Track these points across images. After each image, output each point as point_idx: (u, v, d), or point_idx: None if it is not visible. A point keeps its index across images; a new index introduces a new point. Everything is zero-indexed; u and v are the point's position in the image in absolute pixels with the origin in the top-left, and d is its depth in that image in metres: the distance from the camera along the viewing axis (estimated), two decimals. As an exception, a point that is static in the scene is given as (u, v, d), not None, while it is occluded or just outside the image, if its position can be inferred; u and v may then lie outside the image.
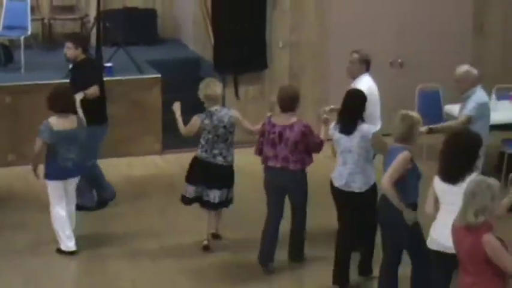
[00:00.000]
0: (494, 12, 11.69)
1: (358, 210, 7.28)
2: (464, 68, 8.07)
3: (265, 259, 7.75)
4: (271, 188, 7.69)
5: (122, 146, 10.08)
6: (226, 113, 7.93)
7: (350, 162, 7.23)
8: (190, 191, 8.02)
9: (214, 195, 7.97)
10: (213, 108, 7.90)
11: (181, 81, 11.00)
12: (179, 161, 10.44)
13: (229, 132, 7.92)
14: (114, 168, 9.75)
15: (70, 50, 8.68)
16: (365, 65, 8.03)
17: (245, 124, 8.01)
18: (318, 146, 7.54)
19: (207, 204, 8.05)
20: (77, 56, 8.70)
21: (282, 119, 7.57)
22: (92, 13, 11.78)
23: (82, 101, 8.52)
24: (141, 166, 10.35)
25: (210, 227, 8.24)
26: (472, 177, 5.66)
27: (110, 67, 10.32)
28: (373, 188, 7.28)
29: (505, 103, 9.89)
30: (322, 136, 7.56)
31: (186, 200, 8.11)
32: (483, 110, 7.92)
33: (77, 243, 8.08)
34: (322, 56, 11.14)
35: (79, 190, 8.37)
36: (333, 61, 11.07)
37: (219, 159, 7.93)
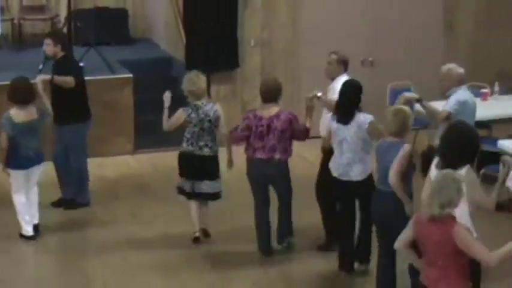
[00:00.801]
0: (464, 10, 11.78)
1: (357, 199, 7.55)
2: (448, 66, 8.03)
3: (265, 246, 8.03)
4: (257, 178, 7.93)
5: (93, 147, 10.00)
6: (212, 107, 8.12)
7: (347, 152, 7.41)
8: (186, 185, 8.17)
9: (207, 185, 8.14)
10: (199, 102, 8.05)
11: (153, 81, 10.98)
12: (151, 161, 10.44)
13: (214, 126, 8.09)
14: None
15: (49, 47, 8.74)
16: (343, 65, 8.06)
17: (222, 124, 8.13)
18: (304, 133, 7.82)
19: (201, 196, 8.20)
20: (56, 53, 8.73)
21: (267, 111, 7.82)
22: (63, 13, 11.73)
23: (65, 100, 8.63)
24: (113, 166, 10.31)
25: (199, 219, 8.31)
26: (443, 171, 5.71)
27: (81, 67, 10.26)
28: (370, 177, 7.37)
29: (476, 101, 9.93)
30: (307, 124, 7.80)
31: (185, 194, 8.25)
32: (464, 108, 7.86)
33: (48, 240, 8.18)
34: (293, 54, 11.16)
35: (80, 187, 8.86)
36: (304, 60, 11.10)
37: (206, 151, 8.10)
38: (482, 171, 8.89)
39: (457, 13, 11.75)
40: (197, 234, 8.29)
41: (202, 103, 8.05)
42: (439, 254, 5.54)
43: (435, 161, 6.24)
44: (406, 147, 6.69)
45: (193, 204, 8.27)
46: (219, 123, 8.10)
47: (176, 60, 11.52)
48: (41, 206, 8.67)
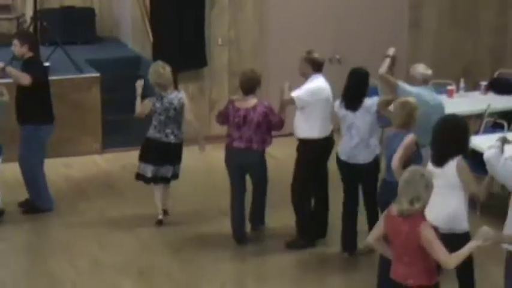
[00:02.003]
0: (428, 7, 11.86)
1: (362, 181, 7.87)
2: (413, 66, 8.10)
3: (239, 233, 8.27)
4: (234, 166, 8.23)
5: (60, 146, 9.99)
6: (176, 95, 8.49)
7: (356, 136, 7.74)
8: (148, 170, 8.48)
9: (168, 170, 8.53)
10: (164, 93, 8.42)
11: (120, 80, 10.94)
12: (119, 161, 10.41)
13: (179, 114, 8.46)
14: (52, 169, 9.63)
15: (16, 47, 8.74)
16: (310, 64, 8.07)
17: (187, 111, 8.53)
18: (279, 124, 8.09)
19: (162, 180, 8.56)
20: (23, 53, 8.71)
21: (244, 103, 8.10)
22: (29, 12, 11.64)
23: (26, 99, 8.61)
24: (81, 166, 10.27)
25: (162, 202, 8.68)
26: (412, 167, 5.80)
27: (47, 67, 10.20)
28: (376, 159, 7.83)
29: (442, 98, 10.02)
30: (282, 115, 8.08)
31: (145, 179, 8.55)
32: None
33: (13, 241, 8.15)
34: (261, 53, 11.18)
35: (37, 192, 8.72)
36: (272, 58, 11.12)
37: (171, 138, 8.46)
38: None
39: (421, 10, 11.83)
40: (160, 217, 8.65)
41: (167, 92, 8.41)
42: (406, 250, 5.60)
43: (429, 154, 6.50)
44: (410, 136, 6.92)
45: (157, 188, 8.61)
46: (184, 110, 8.47)
47: (144, 59, 11.49)
48: (7, 206, 8.64)
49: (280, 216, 8.56)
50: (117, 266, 7.85)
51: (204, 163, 10.32)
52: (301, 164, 8.15)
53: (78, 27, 12.08)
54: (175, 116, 8.45)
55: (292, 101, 8.00)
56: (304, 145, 8.11)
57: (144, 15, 11.10)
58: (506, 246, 6.14)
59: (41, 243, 8.32)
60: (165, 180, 8.64)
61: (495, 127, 9.76)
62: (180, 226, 8.68)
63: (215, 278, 7.68)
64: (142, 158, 8.54)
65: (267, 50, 11.20)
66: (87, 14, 12.33)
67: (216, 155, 10.60)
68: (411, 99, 7.17)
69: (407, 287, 5.65)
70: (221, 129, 11.10)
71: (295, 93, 7.99)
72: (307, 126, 8.03)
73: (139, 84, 8.58)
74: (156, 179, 8.56)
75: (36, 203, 8.90)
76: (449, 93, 10.20)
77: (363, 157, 7.78)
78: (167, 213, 8.82)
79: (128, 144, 10.59)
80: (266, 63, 11.21)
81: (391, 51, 8.14)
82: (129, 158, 10.33)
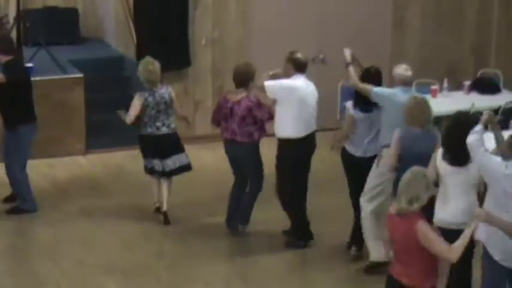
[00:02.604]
0: (412, 7, 11.88)
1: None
2: (395, 67, 8.06)
3: (228, 223, 8.42)
4: (228, 156, 8.44)
5: (44, 147, 9.93)
6: (166, 90, 8.67)
7: (370, 133, 7.85)
8: (154, 163, 8.64)
9: (173, 160, 8.65)
10: (155, 87, 8.58)
11: (104, 81, 10.91)
12: (103, 161, 10.38)
13: (169, 107, 8.62)
14: (35, 170, 9.60)
15: None
16: (293, 65, 8.08)
17: (176, 105, 8.71)
18: (266, 119, 8.22)
19: (168, 174, 8.66)
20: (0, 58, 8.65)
21: (233, 95, 8.28)
22: (11, 13, 11.57)
23: (2, 101, 8.53)
24: (64, 167, 10.22)
25: (159, 194, 8.80)
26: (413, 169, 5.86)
27: (30, 67, 10.17)
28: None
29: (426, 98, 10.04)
30: (267, 102, 8.22)
31: (153, 172, 8.71)
32: (387, 103, 7.84)
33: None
34: (245, 52, 11.16)
35: (21, 194, 8.66)
36: (256, 57, 11.06)
37: (164, 129, 8.58)
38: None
39: (405, 10, 11.85)
40: (157, 204, 8.84)
41: (158, 87, 8.59)
42: (404, 248, 5.64)
43: (440, 152, 6.57)
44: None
45: (154, 180, 8.80)
46: (174, 105, 8.66)
47: (127, 60, 11.46)
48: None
49: (267, 215, 8.56)
50: (101, 266, 7.83)
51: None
52: (277, 165, 8.16)
53: (61, 27, 12.02)
54: (166, 109, 8.60)
55: (263, 89, 8.08)
56: (280, 144, 8.17)
57: (127, 15, 11.07)
58: (480, 238, 6.25)
59: (24, 244, 8.29)
60: (172, 173, 8.70)
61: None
62: (164, 226, 8.66)
63: (200, 278, 7.67)
64: (145, 155, 8.74)
65: (251, 50, 11.19)
66: (71, 14, 12.27)
67: (202, 155, 10.61)
68: (425, 97, 7.36)
69: (402, 285, 5.68)
70: (205, 130, 11.15)
71: (266, 82, 8.04)
72: (281, 125, 8.06)
73: (122, 113, 8.69)
74: (163, 174, 8.68)
75: (21, 205, 8.84)
76: (433, 93, 10.22)
77: (371, 150, 7.86)
78: (167, 217, 8.69)
79: (112, 145, 10.57)
80: (250, 62, 11.18)
81: (348, 54, 8.13)
82: (112, 159, 10.32)
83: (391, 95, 7.67)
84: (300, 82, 8.06)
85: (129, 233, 8.53)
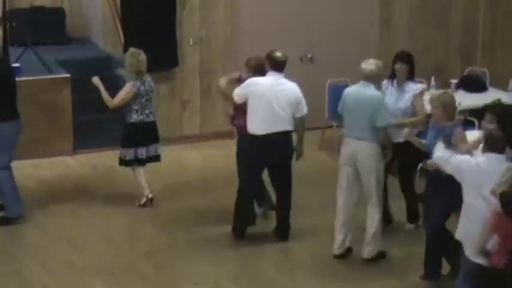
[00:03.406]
0: (399, 5, 11.91)
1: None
2: None
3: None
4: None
5: (31, 148, 9.91)
6: (150, 79, 9.03)
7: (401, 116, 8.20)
8: (130, 153, 8.91)
9: (155, 148, 9.01)
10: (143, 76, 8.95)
11: (91, 81, 10.88)
12: (91, 162, 10.35)
13: (152, 95, 9.06)
14: (23, 170, 9.58)
15: None
16: (268, 61, 8.10)
17: (155, 93, 9.19)
18: None
19: (149, 160, 8.99)
20: None
21: None
22: (-2, 13, 11.54)
23: None
24: (52, 167, 10.19)
25: (148, 182, 9.09)
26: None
27: (17, 67, 10.14)
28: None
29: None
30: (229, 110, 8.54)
31: (126, 162, 8.98)
32: (342, 102, 7.96)
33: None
34: (232, 53, 11.17)
35: (5, 201, 8.52)
36: (243, 58, 10.98)
37: (151, 117, 8.97)
38: (420, 165, 9.02)
39: (392, 8, 11.88)
40: (151, 195, 9.04)
41: (145, 76, 8.93)
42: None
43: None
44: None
45: (141, 170, 9.01)
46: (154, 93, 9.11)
47: (115, 59, 11.44)
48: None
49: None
50: (89, 267, 7.81)
51: (177, 163, 10.29)
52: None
53: (48, 27, 12.01)
54: (151, 97, 8.99)
55: (225, 93, 8.41)
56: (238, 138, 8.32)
57: (114, 15, 11.05)
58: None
59: (11, 245, 8.25)
60: (153, 159, 9.03)
61: (466, 124, 9.80)
62: (153, 227, 8.65)
63: (188, 278, 7.66)
64: (125, 145, 8.92)
65: (239, 50, 11.18)
66: (57, 14, 12.26)
67: (189, 155, 10.62)
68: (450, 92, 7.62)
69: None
70: (193, 130, 11.15)
71: (234, 92, 8.17)
72: (246, 120, 8.11)
73: (97, 81, 8.96)
74: (145, 160, 8.97)
75: (5, 212, 8.61)
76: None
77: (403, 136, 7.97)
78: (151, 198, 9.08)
79: (99, 145, 10.55)
80: (237, 63, 11.18)
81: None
82: (100, 159, 10.30)
83: (342, 98, 7.90)
84: (264, 79, 8.06)
85: (117, 233, 8.52)
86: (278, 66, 8.05)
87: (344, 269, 7.83)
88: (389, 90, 8.37)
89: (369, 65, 7.75)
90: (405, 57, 8.39)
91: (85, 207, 9.12)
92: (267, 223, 8.47)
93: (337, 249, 7.97)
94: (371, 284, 7.58)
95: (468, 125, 9.69)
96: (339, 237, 7.94)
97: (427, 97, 8.28)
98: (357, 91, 7.80)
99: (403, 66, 8.33)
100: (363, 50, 10.94)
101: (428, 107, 7.97)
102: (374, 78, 7.75)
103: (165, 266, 7.87)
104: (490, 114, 6.89)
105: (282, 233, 8.35)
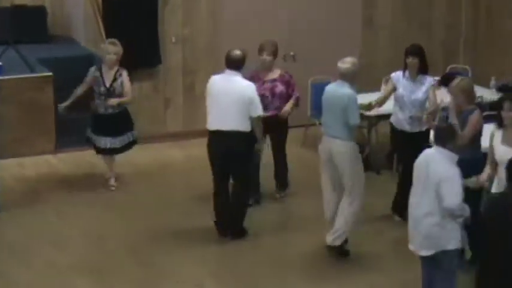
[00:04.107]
0: (382, 4, 11.94)
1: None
2: None
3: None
4: None
5: (13, 147, 9.87)
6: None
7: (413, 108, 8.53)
8: (104, 141, 9.22)
9: (112, 141, 9.21)
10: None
11: (74, 79, 10.81)
12: (73, 160, 10.32)
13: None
14: (5, 170, 9.55)
15: None
16: (225, 59, 8.23)
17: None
18: None
19: (114, 151, 9.26)
20: None
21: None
22: (-21, 11, 11.49)
23: None
24: (34, 166, 10.16)
25: (113, 168, 9.48)
26: None
27: (-1, 66, 10.11)
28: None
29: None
30: None
31: (100, 150, 9.32)
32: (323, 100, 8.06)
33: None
34: (215, 50, 11.16)
35: None
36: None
37: (110, 111, 9.09)
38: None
39: (375, 7, 11.91)
40: (112, 181, 9.42)
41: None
42: None
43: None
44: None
45: (107, 157, 9.39)
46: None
47: (97, 58, 11.39)
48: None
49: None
50: (73, 266, 7.79)
51: (160, 161, 10.28)
52: None
53: (29, 26, 11.94)
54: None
55: None
56: None
57: (96, 13, 11.01)
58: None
59: (-6, 245, 8.22)
60: (114, 152, 9.39)
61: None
62: (136, 225, 8.64)
63: (171, 276, 7.65)
64: (96, 132, 9.33)
65: (221, 47, 11.15)
66: (39, 13, 12.19)
67: (172, 153, 10.60)
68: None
69: None
70: (176, 127, 11.14)
71: None
72: None
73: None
74: (106, 151, 9.40)
75: None
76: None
77: (419, 126, 8.58)
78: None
79: (82, 144, 10.50)
80: (220, 61, 11.14)
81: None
82: (82, 158, 10.26)
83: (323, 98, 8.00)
84: (218, 77, 8.21)
85: (100, 231, 8.49)
86: (232, 64, 8.14)
87: (330, 266, 7.84)
88: (401, 82, 8.64)
89: (345, 63, 7.81)
90: (416, 51, 8.65)
91: (68, 205, 9.09)
92: (248, 221, 8.45)
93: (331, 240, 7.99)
94: (358, 281, 7.59)
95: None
96: (330, 230, 7.96)
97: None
98: (332, 89, 7.89)
99: (415, 59, 8.60)
100: (346, 49, 10.94)
101: (439, 99, 8.66)
102: (350, 76, 7.80)
103: (148, 264, 7.86)
104: (508, 102, 6.99)
105: (233, 232, 8.34)
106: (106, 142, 9.24)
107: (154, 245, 8.22)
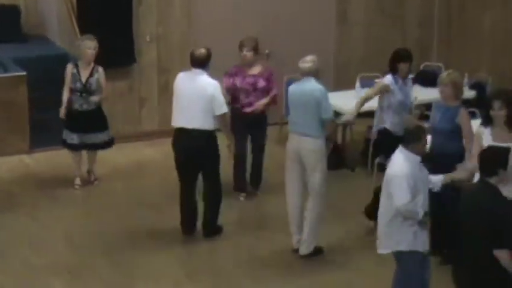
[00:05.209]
0: (355, 2, 11.97)
1: None
2: None
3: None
4: None
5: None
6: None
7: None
8: (75, 137, 9.21)
9: (92, 137, 9.26)
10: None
11: (48, 78, 10.79)
12: (48, 160, 10.27)
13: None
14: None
15: None
16: (190, 57, 8.30)
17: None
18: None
19: (94, 147, 9.32)
20: None
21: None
22: (-49, 11, 11.41)
23: None
24: (8, 166, 10.10)
25: (80, 168, 9.48)
26: None
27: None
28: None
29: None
30: None
31: (71, 146, 9.32)
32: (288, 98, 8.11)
33: None
34: (189, 48, 11.09)
35: None
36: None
37: (85, 107, 9.14)
38: (377, 160, 9.10)
39: (348, 4, 11.93)
40: (78, 181, 9.43)
41: None
42: None
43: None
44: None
45: (77, 154, 9.39)
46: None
47: (72, 57, 11.35)
48: None
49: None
50: (48, 267, 7.76)
51: (135, 160, 10.27)
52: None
53: (2, 25, 11.87)
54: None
55: None
56: None
57: (70, 12, 10.96)
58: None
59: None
60: (98, 147, 9.43)
61: (422, 119, 9.90)
62: (111, 225, 8.62)
63: (147, 276, 7.65)
64: (69, 127, 9.36)
65: (196, 45, 11.13)
66: (12, 11, 12.11)
67: (147, 152, 10.58)
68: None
69: None
70: (151, 126, 11.12)
71: None
72: None
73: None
74: (81, 146, 9.44)
75: None
76: (377, 87, 10.29)
77: None
78: (94, 175, 9.57)
79: (57, 143, 10.46)
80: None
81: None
82: (57, 157, 10.21)
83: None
84: (182, 74, 8.29)
85: (75, 232, 8.47)
86: (195, 62, 8.19)
87: (301, 263, 7.87)
88: (396, 87, 8.68)
89: (306, 63, 7.88)
90: (409, 56, 8.78)
91: (43, 206, 9.06)
92: (223, 220, 8.45)
93: (295, 244, 8.01)
94: (332, 278, 7.63)
95: (425, 119, 9.81)
96: (294, 234, 7.98)
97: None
98: (299, 87, 7.90)
99: (406, 64, 8.70)
100: (320, 46, 11.00)
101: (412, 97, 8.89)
102: (314, 74, 7.86)
103: (124, 264, 7.86)
104: (498, 101, 7.04)
105: (206, 230, 8.35)
106: (77, 137, 9.22)
107: (130, 245, 8.21)
